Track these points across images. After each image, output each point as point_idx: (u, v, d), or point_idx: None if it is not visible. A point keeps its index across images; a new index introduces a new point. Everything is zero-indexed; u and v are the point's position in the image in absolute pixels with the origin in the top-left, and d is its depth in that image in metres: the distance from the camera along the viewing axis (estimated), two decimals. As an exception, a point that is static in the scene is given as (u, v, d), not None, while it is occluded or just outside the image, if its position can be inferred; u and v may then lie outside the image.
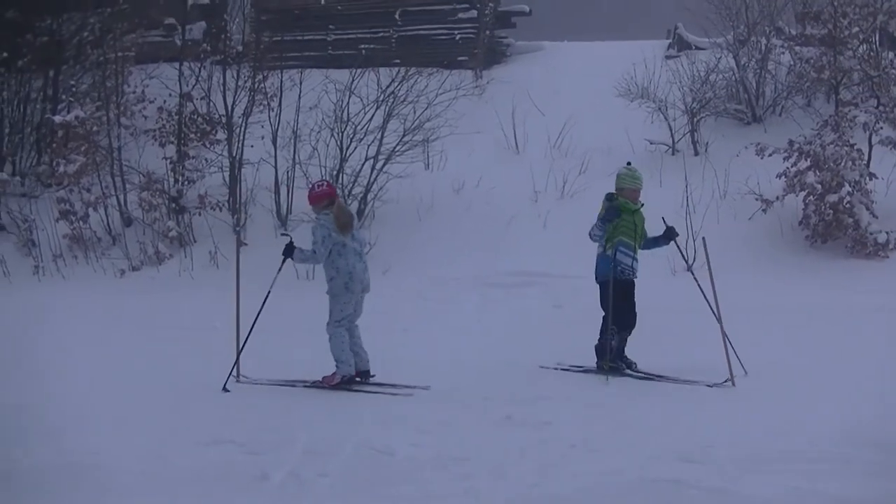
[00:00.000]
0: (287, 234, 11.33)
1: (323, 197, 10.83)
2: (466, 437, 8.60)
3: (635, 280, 11.46)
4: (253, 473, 7.56)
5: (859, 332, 12.99)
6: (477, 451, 8.12)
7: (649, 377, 10.93)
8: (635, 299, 11.48)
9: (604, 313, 11.34)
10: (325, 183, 11.16)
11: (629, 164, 11.85)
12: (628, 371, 11.20)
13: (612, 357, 11.18)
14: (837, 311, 14.18)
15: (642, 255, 11.64)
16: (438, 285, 16.77)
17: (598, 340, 11.33)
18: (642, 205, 11.55)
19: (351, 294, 10.72)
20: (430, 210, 19.37)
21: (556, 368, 11.43)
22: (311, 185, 11.22)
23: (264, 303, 10.93)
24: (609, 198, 11.44)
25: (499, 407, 9.58)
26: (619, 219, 11.31)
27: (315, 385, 10.77)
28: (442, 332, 14.02)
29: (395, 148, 19.42)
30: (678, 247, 12.03)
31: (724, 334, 10.82)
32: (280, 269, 11.15)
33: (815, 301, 14.85)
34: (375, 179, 19.28)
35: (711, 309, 11.15)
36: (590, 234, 11.42)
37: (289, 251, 10.78)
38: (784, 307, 14.50)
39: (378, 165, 19.33)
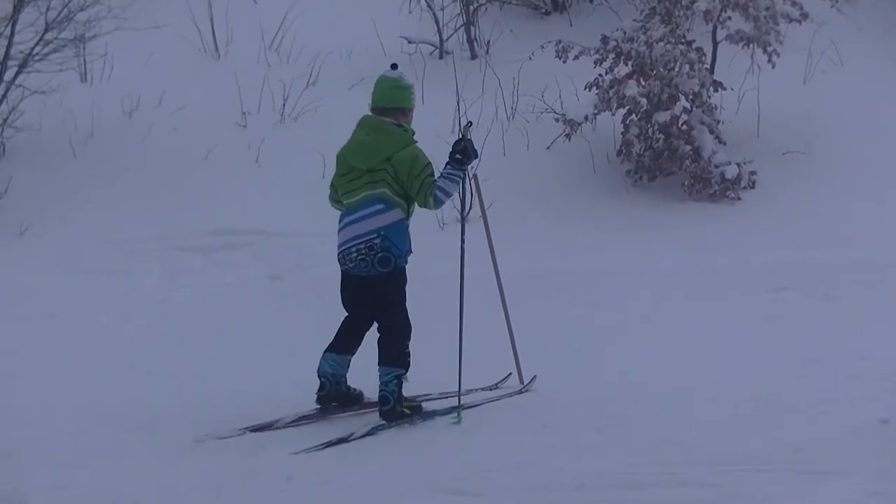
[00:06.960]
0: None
1: None
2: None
3: None
4: None
5: (696, 310, 13.34)
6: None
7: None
8: None
9: (390, 322, 10.17)
10: None
11: (396, 65, 10.73)
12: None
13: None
14: (668, 278, 14.54)
15: None
16: (103, 251, 16.45)
17: (388, 370, 10.03)
18: None
19: None
20: (89, 141, 19.09)
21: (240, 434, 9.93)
22: None
23: None
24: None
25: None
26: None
27: None
28: (106, 318, 13.91)
29: (32, 50, 19.01)
30: None
31: (508, 318, 10.88)
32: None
33: (637, 264, 15.14)
34: (5, 96, 18.87)
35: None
36: (438, 197, 10.19)
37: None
38: (593, 273, 14.77)
39: (7, 76, 18.94)
